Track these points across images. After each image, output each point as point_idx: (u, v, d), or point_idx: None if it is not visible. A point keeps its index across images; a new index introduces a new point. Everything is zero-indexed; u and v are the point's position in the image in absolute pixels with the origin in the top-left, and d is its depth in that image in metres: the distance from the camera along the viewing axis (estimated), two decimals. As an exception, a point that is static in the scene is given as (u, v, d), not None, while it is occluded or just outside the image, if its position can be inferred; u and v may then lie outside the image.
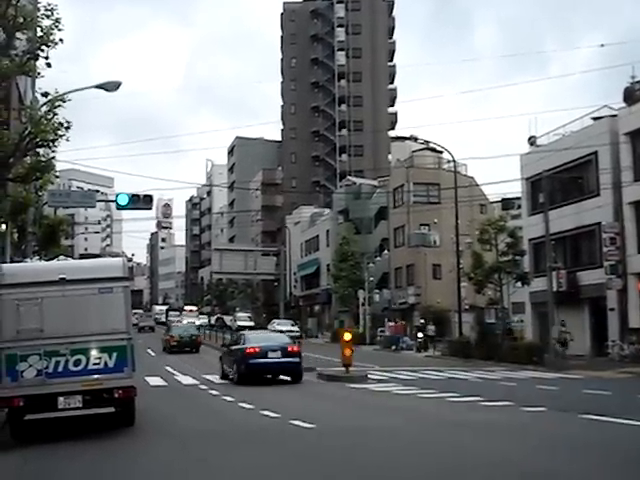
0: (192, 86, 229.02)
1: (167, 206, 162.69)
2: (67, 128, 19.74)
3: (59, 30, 18.92)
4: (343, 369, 25.19)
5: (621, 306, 37.14)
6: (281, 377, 24.30)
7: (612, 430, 12.75)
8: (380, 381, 24.25)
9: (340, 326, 60.62)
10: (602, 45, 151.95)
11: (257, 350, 23.44)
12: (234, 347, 25.33)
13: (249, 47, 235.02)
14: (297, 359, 24.09)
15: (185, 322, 65.67)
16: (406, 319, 55.29)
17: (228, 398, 18.85)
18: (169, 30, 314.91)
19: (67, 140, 20.23)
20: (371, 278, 59.64)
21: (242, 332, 28.79)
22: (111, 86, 22.11)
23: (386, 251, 64.39)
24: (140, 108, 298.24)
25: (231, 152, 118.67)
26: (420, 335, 46.95)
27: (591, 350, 38.40)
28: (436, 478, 9.07)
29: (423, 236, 55.47)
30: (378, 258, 65.18)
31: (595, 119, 40.28)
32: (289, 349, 23.99)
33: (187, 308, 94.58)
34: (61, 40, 19.03)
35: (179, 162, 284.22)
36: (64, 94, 19.93)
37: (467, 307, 46.90)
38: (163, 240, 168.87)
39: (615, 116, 38.39)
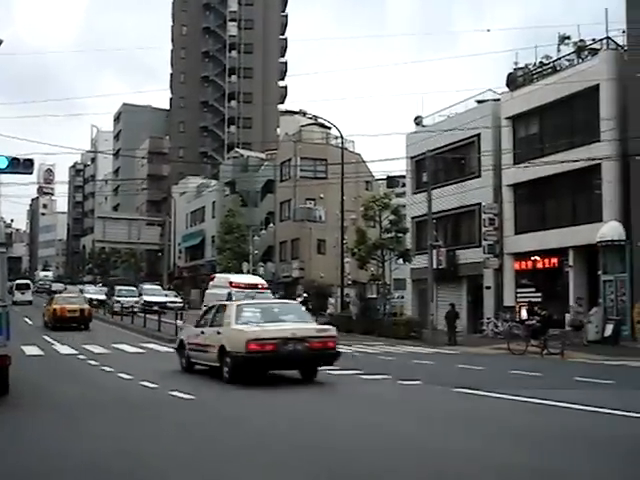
0: (91, 46, 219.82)
1: (49, 171, 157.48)
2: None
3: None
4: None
5: (497, 285, 38.51)
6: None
7: (482, 403, 13.23)
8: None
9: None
10: (488, 30, 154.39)
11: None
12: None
13: (152, 6, 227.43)
14: None
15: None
16: (289, 292, 55.62)
17: (107, 368, 18.62)
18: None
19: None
20: (256, 251, 59.74)
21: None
22: (-9, 45, 21.25)
23: (272, 224, 64.58)
24: (35, 67, 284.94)
25: (117, 119, 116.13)
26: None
27: (467, 326, 39.67)
28: (306, 446, 9.23)
29: (309, 211, 55.84)
30: (263, 231, 65.31)
31: (479, 102, 41.36)
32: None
33: (236, 280, 34.33)
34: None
35: (75, 127, 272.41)
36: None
37: (350, 282, 47.58)
38: (44, 206, 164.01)
39: (498, 100, 39.52)
